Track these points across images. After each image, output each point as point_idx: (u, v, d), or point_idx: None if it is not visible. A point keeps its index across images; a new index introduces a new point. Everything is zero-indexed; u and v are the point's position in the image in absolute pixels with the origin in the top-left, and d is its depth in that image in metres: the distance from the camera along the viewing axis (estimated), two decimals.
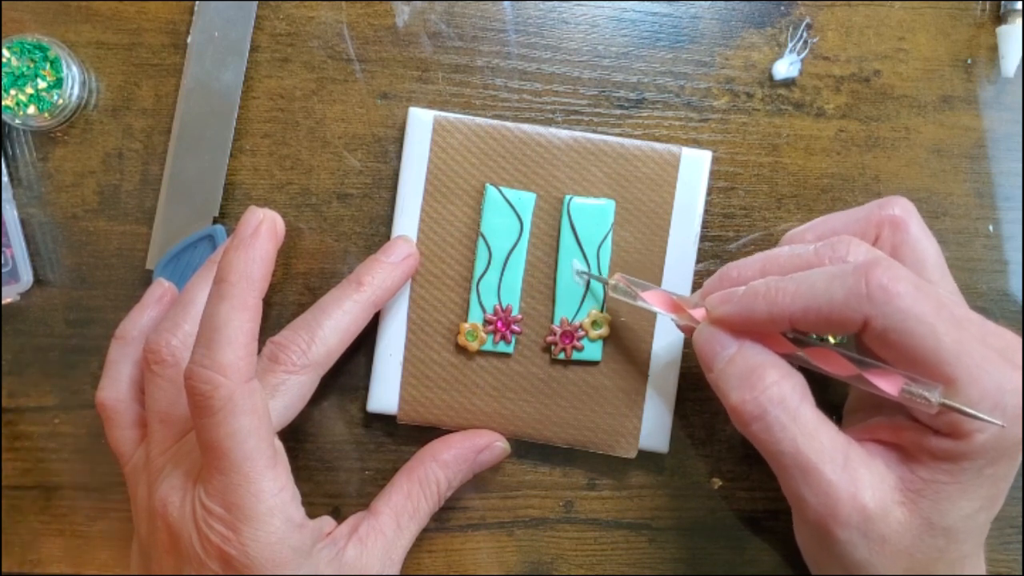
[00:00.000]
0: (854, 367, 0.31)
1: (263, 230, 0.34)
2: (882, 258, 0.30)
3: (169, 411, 0.35)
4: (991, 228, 0.42)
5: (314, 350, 0.36)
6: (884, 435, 0.32)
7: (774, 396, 0.30)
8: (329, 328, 0.36)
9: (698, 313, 0.34)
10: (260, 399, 0.32)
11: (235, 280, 0.32)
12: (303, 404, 0.36)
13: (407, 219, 0.40)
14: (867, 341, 0.30)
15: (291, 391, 0.35)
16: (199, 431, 0.32)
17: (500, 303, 0.40)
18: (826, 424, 0.31)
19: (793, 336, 0.32)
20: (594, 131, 0.41)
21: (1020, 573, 0.42)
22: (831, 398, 0.41)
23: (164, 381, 0.35)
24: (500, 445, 0.39)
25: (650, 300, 0.36)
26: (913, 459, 0.31)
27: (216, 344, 0.31)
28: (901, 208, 0.34)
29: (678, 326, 0.36)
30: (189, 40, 0.41)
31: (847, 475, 0.30)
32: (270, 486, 0.32)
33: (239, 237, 0.34)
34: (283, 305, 0.41)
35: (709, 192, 0.41)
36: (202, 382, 0.31)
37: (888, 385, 0.30)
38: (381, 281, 0.38)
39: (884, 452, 0.31)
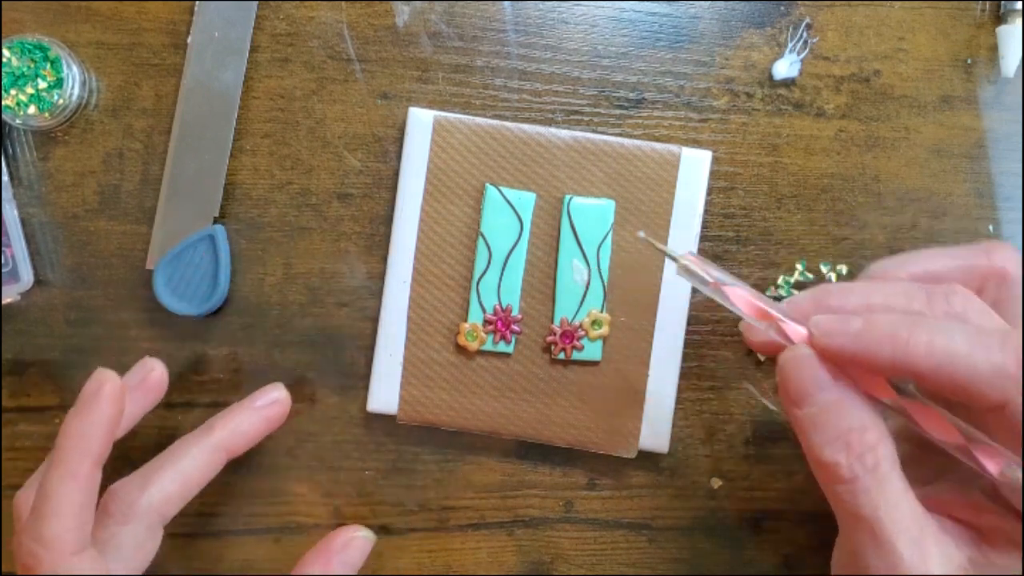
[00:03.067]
0: (961, 437, 0.28)
1: (104, 393, 0.32)
2: None
3: None
4: (991, 228, 0.42)
5: (146, 499, 0.34)
6: (962, 514, 0.30)
7: (869, 463, 0.28)
8: (169, 475, 0.34)
9: (797, 334, 0.29)
10: (92, 567, 0.30)
11: (69, 447, 0.31)
12: (148, 557, 0.34)
13: (407, 219, 0.40)
14: (978, 410, 0.28)
15: (125, 544, 0.33)
16: None
17: (500, 303, 0.40)
18: (908, 494, 0.29)
19: (893, 383, 0.29)
20: (594, 131, 0.41)
21: (1020, 573, 0.42)
22: None
23: None
24: (360, 536, 0.39)
25: (731, 296, 0.30)
26: (986, 541, 0.29)
27: (42, 516, 0.30)
28: (1009, 260, 0.31)
29: (747, 336, 0.32)
30: (189, 40, 0.41)
31: (918, 552, 0.28)
32: None
33: (80, 401, 0.32)
34: (283, 305, 0.41)
35: (709, 192, 0.41)
36: (26, 555, 0.30)
37: (991, 464, 0.28)
38: (236, 426, 0.36)
39: (956, 529, 0.30)
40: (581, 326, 0.39)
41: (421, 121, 0.40)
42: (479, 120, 0.40)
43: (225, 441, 0.36)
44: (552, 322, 0.40)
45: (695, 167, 0.40)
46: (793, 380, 0.29)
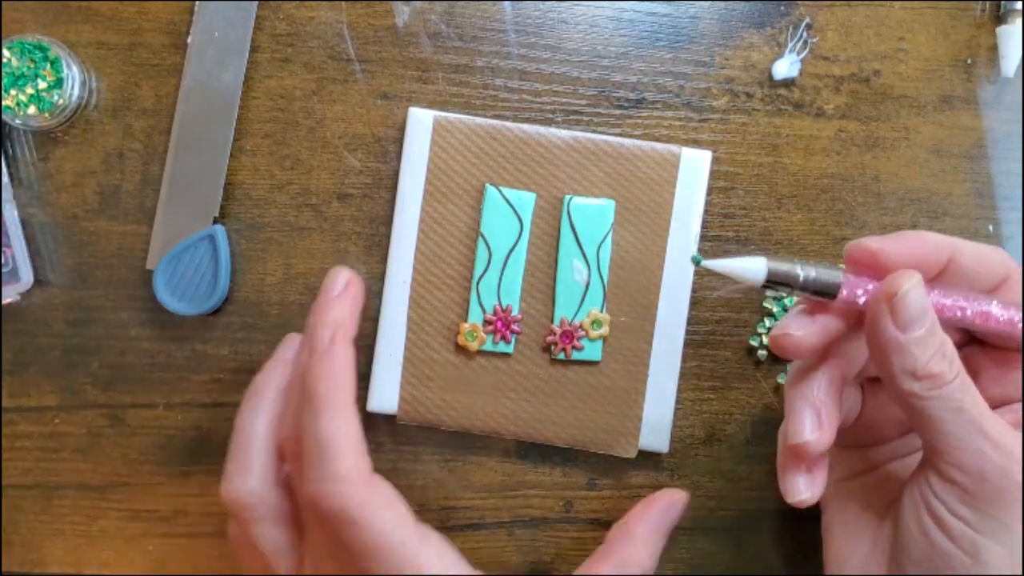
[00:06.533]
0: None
1: (338, 338, 0.33)
2: None
3: (290, 551, 0.34)
4: (991, 228, 0.42)
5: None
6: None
7: (957, 365, 0.31)
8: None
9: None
10: (388, 490, 0.32)
11: (325, 391, 0.32)
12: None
13: (407, 219, 0.40)
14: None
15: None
16: (350, 543, 0.31)
17: (500, 303, 0.40)
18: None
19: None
20: (594, 131, 0.41)
21: (1020, 574, 0.42)
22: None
23: (268, 525, 0.34)
24: (678, 498, 0.40)
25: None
26: None
27: (327, 460, 0.31)
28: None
29: (788, 338, 0.32)
30: (189, 40, 0.41)
31: (1010, 434, 0.31)
32: (433, 559, 0.32)
33: (316, 351, 0.33)
34: (283, 305, 0.41)
35: (709, 192, 0.41)
36: (330, 498, 0.30)
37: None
38: (339, 320, 0.34)
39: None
40: (581, 326, 0.39)
41: (421, 121, 0.40)
42: (479, 120, 0.40)
43: (345, 336, 0.34)
44: (552, 322, 0.40)
45: (695, 167, 0.40)
46: (911, 307, 0.31)
